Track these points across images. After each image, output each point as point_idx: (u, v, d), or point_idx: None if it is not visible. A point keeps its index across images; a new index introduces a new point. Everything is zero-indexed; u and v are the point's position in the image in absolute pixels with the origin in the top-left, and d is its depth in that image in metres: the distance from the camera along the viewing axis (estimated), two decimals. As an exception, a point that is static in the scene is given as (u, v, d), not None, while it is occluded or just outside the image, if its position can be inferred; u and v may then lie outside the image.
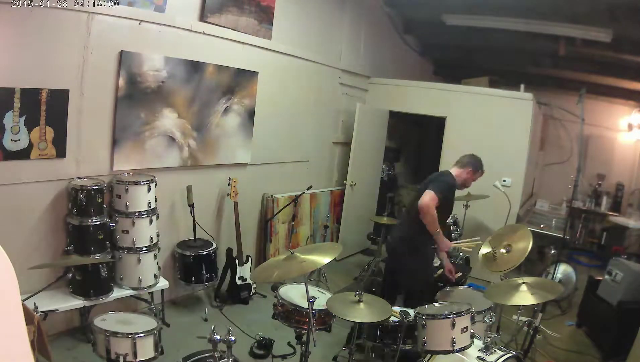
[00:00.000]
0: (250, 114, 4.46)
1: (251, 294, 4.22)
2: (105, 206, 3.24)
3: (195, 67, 3.81)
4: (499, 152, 5.41)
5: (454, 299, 2.89)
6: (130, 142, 3.47)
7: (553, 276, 4.46)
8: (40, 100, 2.88)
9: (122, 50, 3.26)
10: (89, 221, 3.08)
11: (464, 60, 7.63)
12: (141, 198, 3.33)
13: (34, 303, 2.25)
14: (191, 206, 3.91)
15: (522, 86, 5.56)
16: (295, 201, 4.90)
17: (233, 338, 2.15)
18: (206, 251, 3.91)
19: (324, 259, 2.31)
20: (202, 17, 3.80)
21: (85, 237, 3.09)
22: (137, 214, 3.31)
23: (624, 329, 3.53)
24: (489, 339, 2.51)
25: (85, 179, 3.21)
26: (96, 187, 3.12)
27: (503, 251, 3.61)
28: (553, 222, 6.18)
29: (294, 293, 2.79)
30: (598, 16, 4.62)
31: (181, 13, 3.64)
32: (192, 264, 3.84)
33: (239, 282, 4.12)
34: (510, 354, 2.47)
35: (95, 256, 3.12)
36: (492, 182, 4.98)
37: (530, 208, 6.74)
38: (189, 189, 3.91)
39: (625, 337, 3.44)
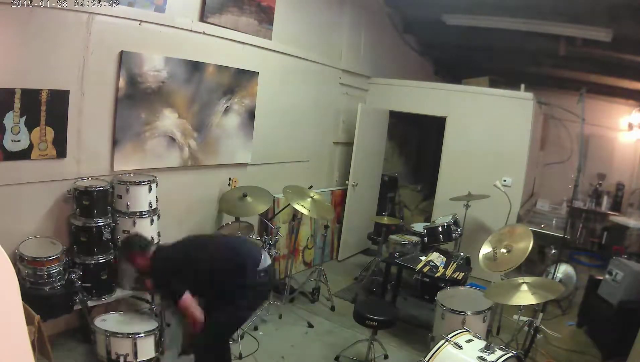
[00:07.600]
0: (251, 114, 4.46)
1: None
2: (109, 207, 3.24)
3: (195, 67, 3.81)
4: (499, 152, 5.43)
5: (454, 299, 2.89)
6: (130, 143, 3.47)
7: (553, 275, 4.45)
8: (41, 101, 2.88)
9: (122, 51, 3.26)
10: (93, 222, 3.08)
11: (464, 60, 7.62)
12: (142, 198, 3.32)
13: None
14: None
15: (523, 86, 5.56)
16: (295, 201, 4.89)
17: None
18: (206, 251, 3.90)
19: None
20: (202, 17, 3.80)
21: (89, 238, 3.08)
22: (138, 214, 3.30)
23: (625, 329, 3.53)
24: (489, 339, 2.51)
25: (89, 179, 3.21)
26: (100, 188, 3.12)
27: (503, 250, 3.62)
28: (553, 221, 6.18)
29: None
30: (598, 16, 4.62)
31: (181, 13, 3.63)
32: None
33: (239, 282, 4.11)
34: (510, 354, 2.47)
35: (99, 256, 3.11)
36: (493, 181, 4.99)
37: (531, 208, 6.73)
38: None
39: (626, 337, 3.44)
